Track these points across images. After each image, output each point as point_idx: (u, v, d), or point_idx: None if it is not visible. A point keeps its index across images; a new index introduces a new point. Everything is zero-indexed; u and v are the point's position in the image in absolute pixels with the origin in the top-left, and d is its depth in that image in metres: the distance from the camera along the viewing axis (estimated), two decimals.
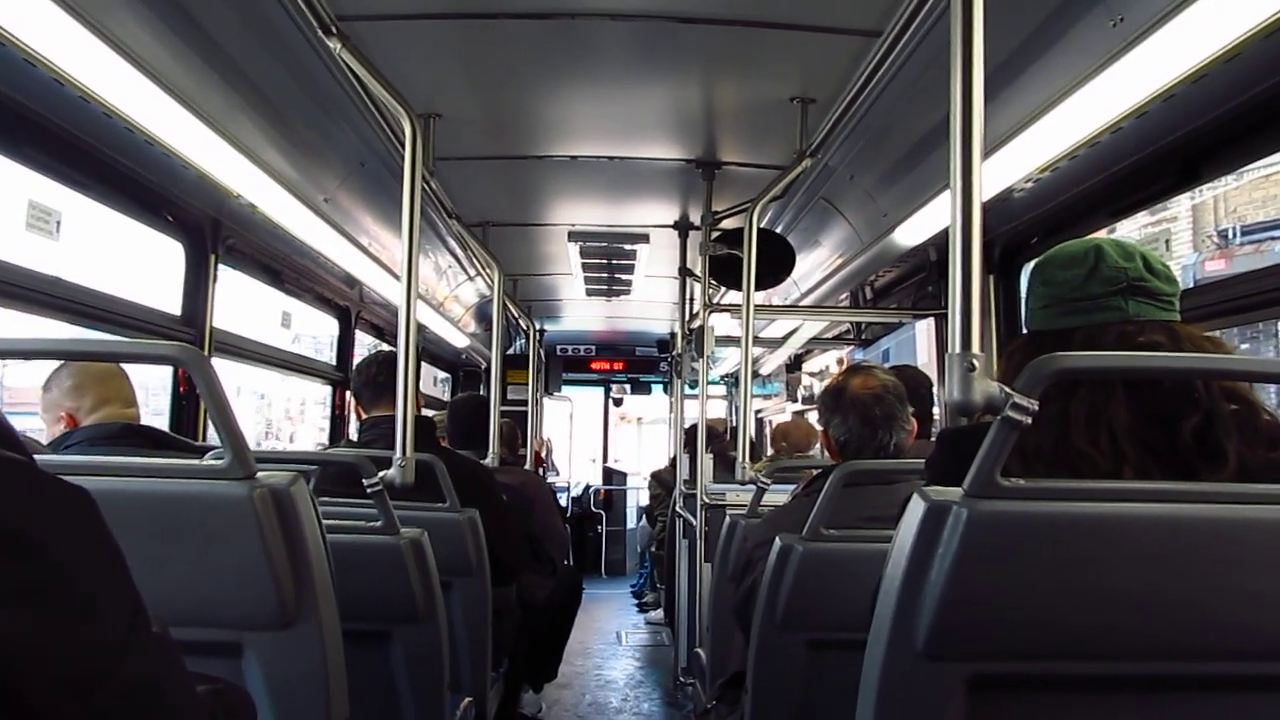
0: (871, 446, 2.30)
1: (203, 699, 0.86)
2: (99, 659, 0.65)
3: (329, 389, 5.17)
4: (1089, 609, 1.11)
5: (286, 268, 4.11)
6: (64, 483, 0.70)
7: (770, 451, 6.18)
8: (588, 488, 10.49)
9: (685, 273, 4.86)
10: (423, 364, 6.97)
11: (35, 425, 2.43)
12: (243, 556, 1.42)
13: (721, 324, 6.22)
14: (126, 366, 2.36)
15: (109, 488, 1.40)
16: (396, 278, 4.37)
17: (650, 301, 6.84)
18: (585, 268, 5.62)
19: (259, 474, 1.45)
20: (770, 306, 5.72)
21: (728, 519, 3.19)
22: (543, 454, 8.02)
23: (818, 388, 7.79)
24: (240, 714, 1.09)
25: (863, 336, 6.05)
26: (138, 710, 0.68)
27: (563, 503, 8.55)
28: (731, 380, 9.35)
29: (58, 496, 0.69)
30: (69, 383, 2.23)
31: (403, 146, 2.43)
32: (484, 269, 5.45)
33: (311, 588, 1.49)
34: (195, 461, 1.51)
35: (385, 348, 5.48)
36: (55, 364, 2.28)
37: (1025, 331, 1.42)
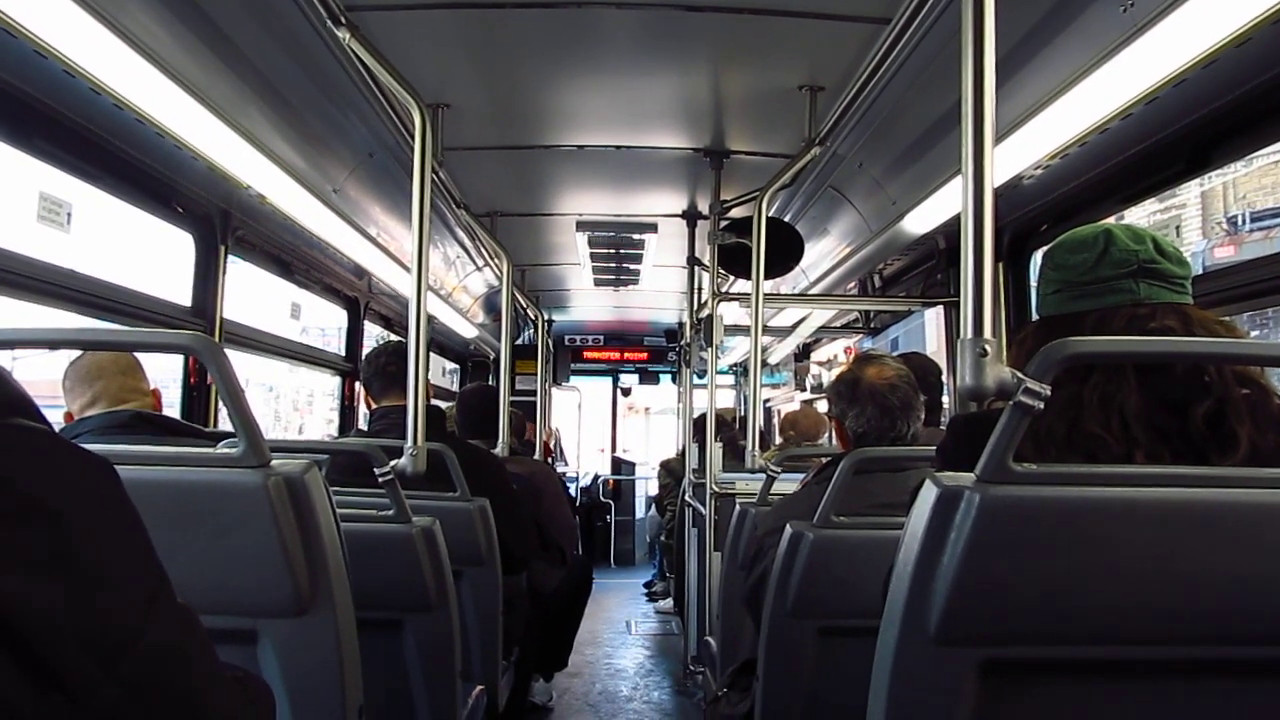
0: (890, 436, 2.30)
1: (228, 670, 0.87)
2: (123, 626, 0.66)
3: (338, 380, 5.19)
4: (1101, 594, 1.11)
5: (295, 259, 4.12)
6: (86, 452, 0.70)
7: (779, 440, 6.19)
8: (596, 478, 10.50)
9: (693, 262, 4.85)
10: (431, 354, 6.98)
11: (49, 419, 2.44)
12: (258, 544, 1.43)
13: (730, 313, 6.23)
14: (141, 360, 2.37)
15: (124, 475, 1.40)
16: (405, 268, 4.41)
17: (658, 291, 6.83)
18: (593, 257, 5.61)
19: (273, 462, 1.46)
20: (779, 295, 5.72)
21: (737, 507, 3.20)
22: (551, 444, 8.03)
23: (826, 376, 7.79)
24: (260, 703, 1.10)
25: (871, 325, 6.04)
26: (166, 678, 0.68)
27: (571, 493, 8.57)
28: (740, 369, 9.34)
29: (81, 465, 0.69)
30: (65, 383, 2.25)
31: (411, 137, 2.44)
32: (492, 259, 5.45)
33: (326, 575, 1.50)
34: (210, 450, 1.51)
35: (394, 338, 5.49)
36: (71, 358, 2.30)
37: (1036, 318, 1.42)
